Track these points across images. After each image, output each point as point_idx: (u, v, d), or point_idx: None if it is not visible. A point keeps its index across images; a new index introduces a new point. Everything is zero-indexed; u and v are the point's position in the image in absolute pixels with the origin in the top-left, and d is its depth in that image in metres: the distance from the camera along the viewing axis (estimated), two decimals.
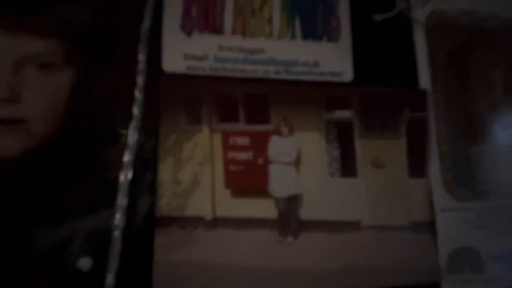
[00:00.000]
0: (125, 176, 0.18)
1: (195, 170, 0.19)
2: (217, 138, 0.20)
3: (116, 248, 0.17)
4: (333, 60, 0.23)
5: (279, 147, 0.21)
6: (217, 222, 0.19)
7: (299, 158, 0.21)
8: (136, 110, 0.19)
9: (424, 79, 0.24)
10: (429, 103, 0.23)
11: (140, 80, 0.19)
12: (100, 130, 0.19)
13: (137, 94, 0.19)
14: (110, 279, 0.17)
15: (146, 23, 0.19)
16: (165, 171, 0.19)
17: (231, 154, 0.20)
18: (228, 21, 0.21)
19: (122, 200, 0.18)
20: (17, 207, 0.17)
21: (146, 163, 0.19)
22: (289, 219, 0.20)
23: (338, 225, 0.21)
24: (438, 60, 0.24)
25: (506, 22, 0.26)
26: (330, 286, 0.20)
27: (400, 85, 0.24)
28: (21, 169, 0.18)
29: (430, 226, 0.22)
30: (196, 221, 0.19)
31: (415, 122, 0.23)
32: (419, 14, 0.25)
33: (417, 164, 0.23)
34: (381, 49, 0.24)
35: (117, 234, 0.17)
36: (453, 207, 0.23)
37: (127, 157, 0.19)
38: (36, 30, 0.18)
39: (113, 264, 0.17)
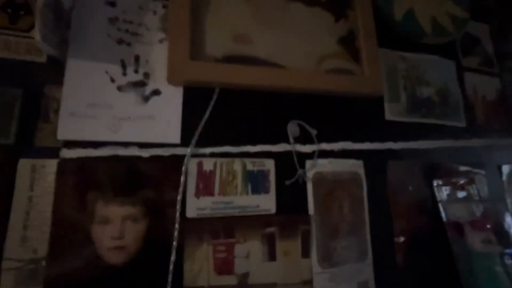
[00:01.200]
0: (173, 262, 0.41)
1: (201, 264, 0.43)
2: (211, 248, 0.44)
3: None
4: (266, 203, 0.48)
5: (239, 249, 0.45)
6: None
7: (249, 253, 0.45)
8: (174, 240, 0.42)
9: (311, 209, 0.50)
10: (312, 221, 0.49)
11: (176, 226, 0.42)
12: (157, 246, 0.42)
13: (175, 234, 0.42)
14: None
15: (178, 206, 0.43)
16: (187, 265, 0.42)
17: (217, 255, 0.44)
18: (216, 189, 0.46)
19: (170, 279, 0.41)
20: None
21: (179, 261, 0.42)
22: (243, 285, 0.44)
23: (266, 285, 0.45)
24: (318, 198, 0.51)
25: (351, 175, 0.54)
26: None
27: (298, 212, 0.49)
28: (124, 269, 0.40)
29: (310, 282, 0.48)
30: None
31: (305, 231, 0.49)
32: (309, 174, 0.51)
33: (306, 251, 0.48)
34: (290, 195, 0.50)
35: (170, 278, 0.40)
36: (321, 271, 0.48)
37: (172, 258, 0.41)
38: (131, 203, 0.41)
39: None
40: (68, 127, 0.42)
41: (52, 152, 0.42)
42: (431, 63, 0.68)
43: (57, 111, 0.44)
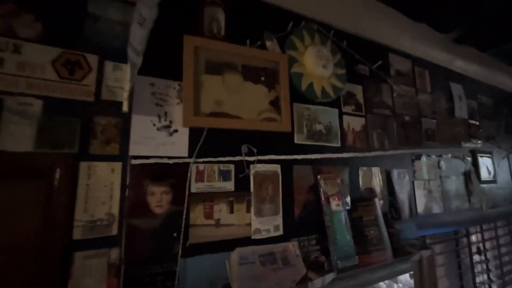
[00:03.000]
0: (184, 213, 0.88)
1: (198, 214, 0.90)
2: (202, 207, 0.92)
3: None
4: (230, 186, 0.97)
5: (216, 208, 0.94)
6: (220, 224, 0.91)
7: (220, 210, 0.94)
8: (185, 203, 0.89)
9: (252, 189, 1.01)
10: (252, 195, 1.00)
11: (186, 196, 0.89)
12: (177, 205, 0.89)
13: (186, 200, 0.89)
14: None
15: (187, 186, 0.90)
16: (191, 214, 0.90)
17: (205, 210, 0.92)
18: (205, 179, 0.93)
19: (183, 221, 0.88)
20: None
21: (187, 213, 0.89)
22: (217, 224, 0.93)
23: (228, 224, 0.95)
24: (255, 184, 1.01)
25: (273, 172, 1.06)
26: None
27: (245, 191, 1.00)
28: (162, 216, 0.86)
29: (250, 224, 0.98)
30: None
31: (248, 199, 0.99)
32: (252, 172, 1.02)
33: (248, 209, 0.99)
34: (241, 182, 0.99)
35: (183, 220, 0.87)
36: (255, 219, 0.99)
37: (184, 211, 0.88)
38: (164, 185, 0.87)
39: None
40: (134, 149, 0.86)
41: (99, 157, 0.82)
42: (323, 111, 1.23)
43: (102, 132, 0.85)
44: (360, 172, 1.30)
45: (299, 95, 1.16)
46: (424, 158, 1.57)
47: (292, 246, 1.02)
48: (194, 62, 0.94)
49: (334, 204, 1.11)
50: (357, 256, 1.08)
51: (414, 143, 1.54)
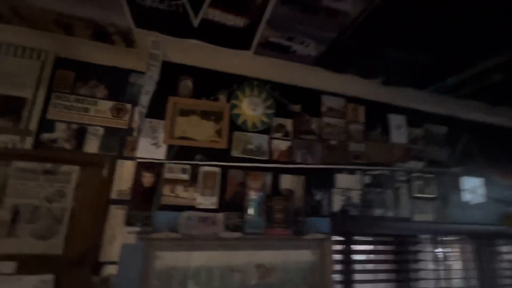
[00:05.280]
0: (160, 189, 1.72)
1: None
2: (169, 187, 1.75)
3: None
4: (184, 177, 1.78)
5: (177, 187, 1.76)
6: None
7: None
8: (160, 183, 1.73)
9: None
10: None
11: (162, 179, 1.74)
12: (157, 183, 1.74)
13: (160, 182, 1.74)
14: None
15: (161, 174, 1.75)
16: (163, 190, 1.73)
17: (169, 189, 1.75)
18: (171, 172, 1.77)
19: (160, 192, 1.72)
20: None
21: (160, 189, 1.73)
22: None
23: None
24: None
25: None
26: None
27: None
28: (149, 188, 1.72)
29: None
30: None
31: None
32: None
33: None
34: None
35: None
36: None
37: (158, 188, 1.73)
38: (151, 172, 1.74)
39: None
40: (139, 154, 1.75)
41: (126, 158, 1.73)
42: (255, 136, 1.95)
43: (129, 144, 1.77)
44: (281, 177, 1.95)
45: (238, 127, 1.91)
46: (345, 172, 2.10)
47: (221, 216, 1.76)
48: (173, 110, 1.81)
49: (253, 194, 1.81)
50: (264, 228, 1.75)
51: (338, 161, 2.10)
